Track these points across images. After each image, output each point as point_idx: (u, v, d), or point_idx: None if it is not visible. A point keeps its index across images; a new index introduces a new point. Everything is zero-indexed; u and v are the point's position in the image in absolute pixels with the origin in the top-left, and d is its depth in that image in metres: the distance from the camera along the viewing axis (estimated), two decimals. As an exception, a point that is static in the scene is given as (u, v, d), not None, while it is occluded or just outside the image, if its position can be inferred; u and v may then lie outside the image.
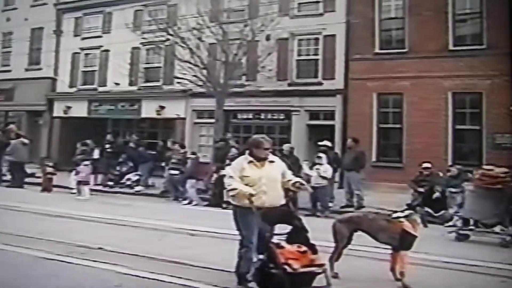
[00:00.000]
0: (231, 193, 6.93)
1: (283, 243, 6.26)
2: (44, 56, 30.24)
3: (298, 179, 7.16)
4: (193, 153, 19.10)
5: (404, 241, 7.29)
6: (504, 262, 9.00)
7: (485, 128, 18.93)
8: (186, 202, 17.60)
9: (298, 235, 6.52)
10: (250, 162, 6.99)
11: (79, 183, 17.88)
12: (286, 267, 6.06)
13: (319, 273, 6.14)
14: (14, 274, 7.29)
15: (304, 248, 6.18)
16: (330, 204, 16.10)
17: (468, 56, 19.12)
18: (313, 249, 6.37)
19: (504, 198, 11.72)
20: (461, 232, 11.91)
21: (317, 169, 15.55)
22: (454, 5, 19.88)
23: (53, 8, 30.18)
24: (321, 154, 16.08)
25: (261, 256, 6.46)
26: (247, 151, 7.13)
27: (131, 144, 22.33)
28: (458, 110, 19.56)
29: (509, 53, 18.16)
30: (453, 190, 14.82)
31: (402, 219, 7.45)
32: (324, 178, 15.56)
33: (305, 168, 15.52)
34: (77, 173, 18.09)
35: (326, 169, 15.66)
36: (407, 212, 7.73)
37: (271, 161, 7.05)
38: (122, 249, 8.90)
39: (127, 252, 8.73)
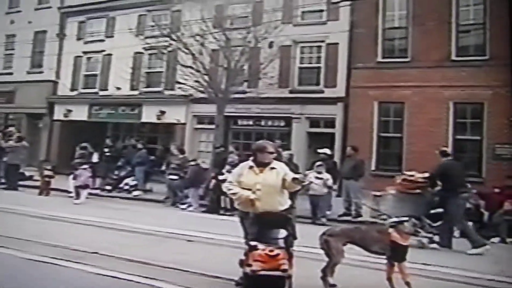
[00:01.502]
0: (233, 197, 7.17)
1: (260, 246, 6.22)
2: (46, 59, 30.28)
3: (296, 175, 7.11)
4: (194, 160, 19.03)
5: (394, 252, 7.22)
6: (419, 262, 8.99)
7: (485, 139, 18.92)
8: (184, 206, 17.55)
9: (287, 240, 6.50)
10: (251, 167, 7.08)
11: (78, 186, 17.79)
12: (247, 268, 6.13)
13: (282, 277, 6.09)
14: (9, 276, 7.23)
15: (276, 252, 6.14)
16: (328, 213, 16.02)
17: (470, 67, 19.12)
18: (289, 254, 6.34)
19: (423, 202, 12.26)
20: None
21: (319, 178, 15.47)
22: (458, 15, 19.91)
23: (57, 12, 30.23)
24: (321, 162, 16.03)
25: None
26: (252, 157, 7.22)
27: (134, 143, 22.32)
28: (459, 120, 19.55)
29: (511, 64, 18.12)
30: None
31: (390, 229, 7.38)
32: (326, 186, 15.50)
33: (310, 176, 15.43)
34: (75, 177, 18.01)
35: (328, 178, 15.59)
36: (394, 221, 7.62)
37: (272, 168, 7.05)
38: (118, 254, 8.83)
39: (123, 257, 8.65)
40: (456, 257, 10.80)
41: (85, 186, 17.90)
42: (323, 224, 13.91)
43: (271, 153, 7.12)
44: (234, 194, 7.08)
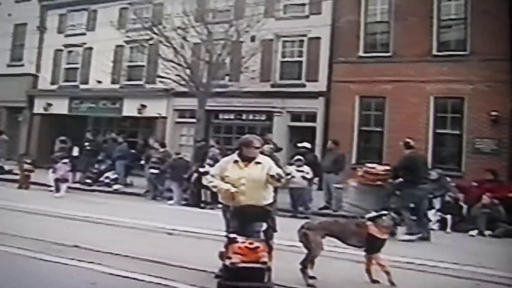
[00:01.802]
0: (214, 190, 7.35)
1: (239, 238, 6.26)
2: (26, 53, 30.00)
3: (278, 170, 7.07)
4: (178, 153, 18.92)
5: (371, 245, 7.30)
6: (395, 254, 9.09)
7: (465, 133, 19.05)
8: (172, 202, 17.46)
9: (267, 233, 6.55)
10: (235, 161, 7.08)
11: (57, 180, 17.68)
12: (226, 260, 6.18)
13: (262, 270, 6.14)
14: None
15: (256, 245, 6.18)
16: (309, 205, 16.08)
17: (451, 62, 19.23)
18: (269, 247, 6.38)
19: (384, 194, 12.80)
20: None
21: (299, 170, 15.51)
22: (440, 10, 19.99)
23: (38, 5, 29.92)
24: (300, 157, 16.06)
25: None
26: (237, 151, 7.21)
27: (114, 137, 22.23)
28: (440, 114, 19.68)
29: (492, 59, 18.26)
30: (432, 194, 14.89)
31: (368, 223, 7.44)
32: (305, 179, 15.54)
33: (290, 170, 15.46)
34: (55, 170, 17.89)
35: (308, 171, 15.64)
36: (373, 215, 7.69)
37: (258, 162, 7.05)
38: (98, 247, 8.79)
39: (103, 251, 8.62)
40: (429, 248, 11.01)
41: (65, 180, 17.80)
42: (305, 217, 13.96)
43: (257, 148, 7.12)
44: (214, 187, 7.13)
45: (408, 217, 12.00)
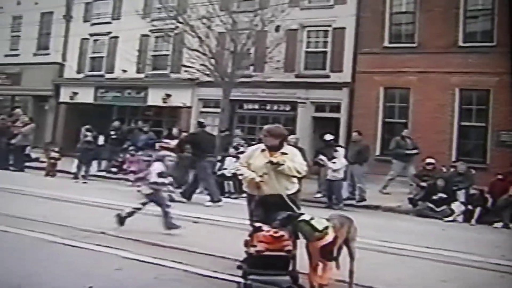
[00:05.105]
0: (240, 178, 7.34)
1: (264, 227, 6.27)
2: (52, 41, 30.26)
3: (298, 164, 7.03)
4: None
5: None
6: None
7: (490, 125, 18.90)
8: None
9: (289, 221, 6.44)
10: (262, 150, 7.10)
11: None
12: (251, 248, 6.20)
13: (286, 258, 6.17)
14: (16, 256, 7.31)
15: (281, 233, 6.17)
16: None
17: (477, 53, 19.03)
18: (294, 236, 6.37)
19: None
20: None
21: (334, 162, 15.48)
22: (466, 1, 19.81)
23: (64, -7, 30.09)
24: (338, 148, 16.08)
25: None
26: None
27: (140, 126, 22.39)
28: (465, 106, 19.53)
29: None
30: (457, 187, 14.86)
31: None
32: (338, 171, 15.47)
33: (325, 161, 15.51)
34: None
35: (343, 163, 15.61)
36: None
37: (284, 153, 7.04)
38: (124, 234, 8.92)
39: (129, 237, 8.75)
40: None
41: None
42: (339, 209, 13.96)
43: (274, 137, 7.06)
44: (241, 175, 7.18)
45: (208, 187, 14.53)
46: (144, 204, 9.71)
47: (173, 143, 15.58)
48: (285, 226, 6.27)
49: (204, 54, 21.32)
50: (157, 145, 15.95)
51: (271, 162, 6.84)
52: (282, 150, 7.06)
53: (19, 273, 6.47)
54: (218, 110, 22.46)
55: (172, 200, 13.08)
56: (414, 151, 17.51)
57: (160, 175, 9.77)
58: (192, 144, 15.25)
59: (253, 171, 6.95)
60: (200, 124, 15.94)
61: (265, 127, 7.32)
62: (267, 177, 6.84)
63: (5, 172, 19.19)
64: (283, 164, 6.86)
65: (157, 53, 26.84)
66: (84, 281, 6.18)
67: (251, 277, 6.14)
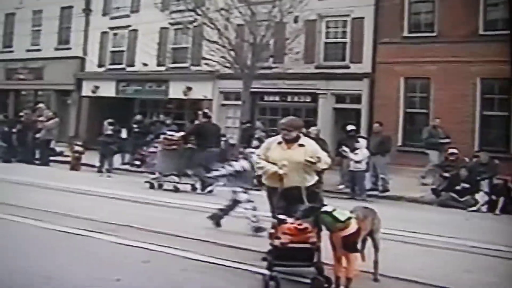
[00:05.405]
0: (259, 171, 7.28)
1: (289, 219, 6.31)
2: (73, 35, 30.47)
3: (317, 154, 7.01)
4: (223, 136, 19.04)
5: None
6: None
7: (513, 115, 18.72)
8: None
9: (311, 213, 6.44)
10: (279, 143, 7.13)
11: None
12: (275, 240, 6.22)
13: (311, 250, 6.21)
14: (45, 249, 7.49)
15: (305, 226, 6.21)
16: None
17: (498, 41, 18.70)
18: (318, 228, 6.39)
19: (182, 156, 15.33)
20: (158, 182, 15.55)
21: (356, 153, 15.53)
22: (486, -12, 19.58)
23: (82, -14, 30.28)
24: (360, 139, 16.14)
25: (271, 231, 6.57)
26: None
27: (163, 119, 22.55)
28: (486, 95, 19.36)
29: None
30: (480, 177, 14.80)
31: None
32: (361, 162, 15.55)
33: (348, 153, 15.60)
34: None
35: (365, 154, 15.65)
36: None
37: (301, 145, 7.06)
38: (149, 227, 9.05)
39: (155, 230, 8.88)
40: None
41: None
42: (362, 200, 14.02)
43: (291, 129, 7.06)
44: (261, 168, 7.16)
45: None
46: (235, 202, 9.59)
47: (178, 135, 15.88)
48: (307, 217, 6.30)
49: (224, 47, 21.34)
50: (161, 137, 16.28)
51: (310, 162, 6.84)
52: (299, 142, 7.09)
53: (49, 265, 6.63)
54: (239, 102, 22.48)
55: (177, 190, 14.74)
56: (447, 140, 17.45)
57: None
58: (197, 135, 15.62)
59: (273, 163, 6.98)
60: (205, 115, 16.33)
61: (281, 120, 7.33)
62: (286, 169, 6.84)
63: (31, 167, 19.49)
64: (319, 161, 6.91)
65: (177, 46, 26.87)
66: (112, 273, 6.33)
67: (276, 268, 6.19)
